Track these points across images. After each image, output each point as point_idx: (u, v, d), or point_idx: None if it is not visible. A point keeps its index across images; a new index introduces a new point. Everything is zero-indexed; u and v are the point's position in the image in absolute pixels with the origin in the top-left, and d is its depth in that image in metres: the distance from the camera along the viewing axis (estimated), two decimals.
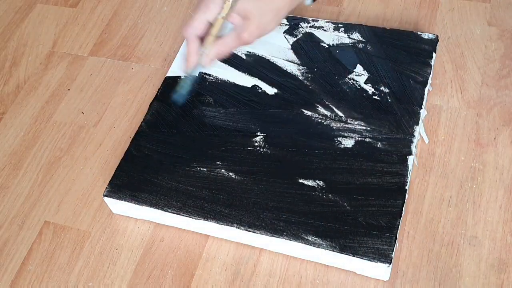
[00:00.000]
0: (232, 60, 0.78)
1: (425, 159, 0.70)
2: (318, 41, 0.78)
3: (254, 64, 0.77)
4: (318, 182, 0.66)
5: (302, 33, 0.79)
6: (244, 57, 0.78)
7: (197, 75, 0.68)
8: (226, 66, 0.78)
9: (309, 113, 0.72)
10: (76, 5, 0.93)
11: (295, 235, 0.62)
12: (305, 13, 0.85)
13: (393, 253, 0.60)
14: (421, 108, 0.71)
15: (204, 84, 0.76)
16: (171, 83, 0.77)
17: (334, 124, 0.70)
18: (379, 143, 0.68)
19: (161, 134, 0.72)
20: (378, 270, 0.61)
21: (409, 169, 0.66)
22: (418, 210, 0.66)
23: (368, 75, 0.74)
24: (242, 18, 0.64)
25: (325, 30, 0.79)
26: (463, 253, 0.63)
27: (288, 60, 0.77)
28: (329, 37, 0.78)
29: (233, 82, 0.76)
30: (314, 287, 0.63)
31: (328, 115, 0.71)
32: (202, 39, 0.66)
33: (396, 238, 0.61)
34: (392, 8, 0.84)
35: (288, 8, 0.66)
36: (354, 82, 0.74)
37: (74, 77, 0.84)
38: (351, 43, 0.77)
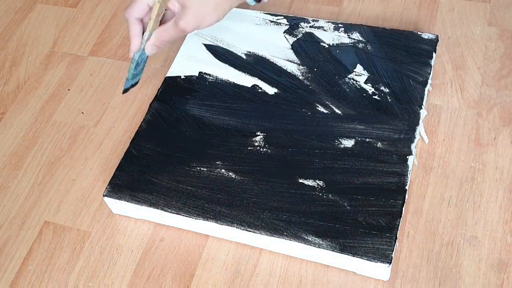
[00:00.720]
0: (232, 60, 0.78)
1: (425, 159, 0.70)
2: (318, 41, 0.78)
3: (254, 64, 0.77)
4: (318, 182, 0.66)
5: (302, 33, 0.79)
6: (244, 57, 0.78)
7: (143, 58, 0.70)
8: (226, 66, 0.78)
9: (309, 113, 0.72)
10: (76, 5, 0.93)
11: (295, 235, 0.62)
12: (305, 13, 0.85)
13: (393, 253, 0.60)
14: (421, 108, 0.71)
15: (204, 84, 0.76)
16: (171, 83, 0.77)
17: (334, 124, 0.70)
18: (379, 143, 0.68)
19: (161, 134, 0.72)
20: (378, 270, 0.61)
21: (409, 169, 0.66)
22: (418, 210, 0.66)
23: (368, 75, 0.74)
24: (181, 6, 0.65)
25: (325, 30, 0.79)
26: (463, 253, 0.63)
27: (288, 60, 0.77)
28: (329, 37, 0.78)
29: (233, 82, 0.76)
30: (314, 287, 0.63)
31: (328, 115, 0.71)
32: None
33: (396, 238, 0.61)
34: (392, 8, 0.84)
35: (230, 3, 0.67)
36: (354, 82, 0.74)
37: (74, 77, 0.84)
38: (351, 43, 0.77)
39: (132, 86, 0.72)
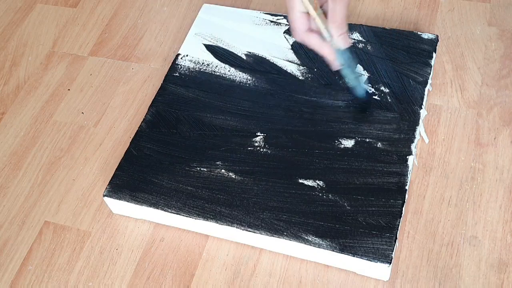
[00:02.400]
0: (232, 60, 0.78)
1: (425, 159, 0.70)
2: None
3: (254, 64, 0.77)
4: (318, 182, 0.66)
5: None
6: (244, 57, 0.78)
7: (345, 57, 0.65)
8: (226, 66, 0.78)
9: (309, 113, 0.72)
10: (76, 5, 0.93)
11: (295, 235, 0.62)
12: None
13: (393, 253, 0.60)
14: (421, 108, 0.71)
15: (204, 84, 0.76)
16: (171, 83, 0.77)
17: (334, 124, 0.70)
18: (379, 143, 0.68)
19: (161, 134, 0.72)
20: (378, 270, 0.61)
21: (409, 169, 0.66)
22: (418, 210, 0.66)
23: (368, 75, 0.74)
24: None
25: None
26: (463, 253, 0.63)
27: (288, 60, 0.77)
28: None
29: (233, 83, 0.76)
30: (314, 287, 0.63)
31: (328, 115, 0.71)
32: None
33: (396, 238, 0.61)
34: (392, 8, 0.84)
35: None
36: None
37: (74, 77, 0.84)
38: (351, 43, 0.77)
39: (367, 91, 0.70)
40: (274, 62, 0.77)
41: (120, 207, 0.69)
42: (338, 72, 0.75)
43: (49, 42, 0.89)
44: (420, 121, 0.70)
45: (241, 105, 0.74)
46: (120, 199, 0.67)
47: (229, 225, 0.64)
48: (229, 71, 0.77)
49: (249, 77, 0.76)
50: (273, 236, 0.63)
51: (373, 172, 0.66)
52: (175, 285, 0.64)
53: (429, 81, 0.73)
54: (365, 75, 0.74)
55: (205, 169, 0.68)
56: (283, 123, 0.71)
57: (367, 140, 0.69)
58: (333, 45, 0.64)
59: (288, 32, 0.80)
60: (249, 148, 0.70)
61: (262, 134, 0.71)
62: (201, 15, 0.84)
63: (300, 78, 0.75)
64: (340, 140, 0.69)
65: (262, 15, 0.82)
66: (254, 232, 0.63)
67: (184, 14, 0.89)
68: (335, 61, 0.65)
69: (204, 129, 0.72)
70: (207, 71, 0.77)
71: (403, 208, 0.63)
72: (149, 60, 0.84)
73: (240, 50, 0.79)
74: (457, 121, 0.72)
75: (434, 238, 0.64)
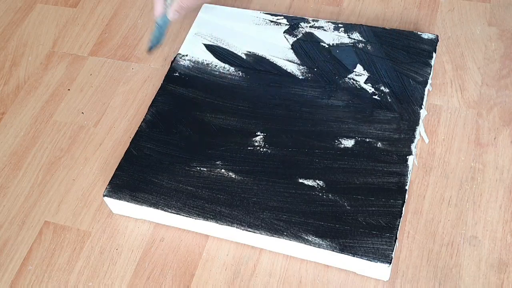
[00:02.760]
0: (232, 60, 0.78)
1: (425, 159, 0.70)
2: (318, 41, 0.78)
3: (254, 64, 0.77)
4: (318, 182, 0.66)
5: (302, 33, 0.79)
6: (244, 57, 0.78)
7: (166, 22, 0.77)
8: (226, 66, 0.78)
9: (309, 113, 0.72)
10: (76, 5, 0.93)
11: (295, 235, 0.62)
12: (305, 13, 0.85)
13: (393, 253, 0.60)
14: (421, 108, 0.71)
15: (204, 84, 0.76)
16: (171, 82, 0.77)
17: (334, 124, 0.70)
18: (379, 143, 0.68)
19: (161, 134, 0.72)
20: (378, 270, 0.61)
21: (409, 169, 0.66)
22: (418, 210, 0.66)
23: (368, 75, 0.74)
24: None
25: (325, 30, 0.79)
26: (463, 253, 0.63)
27: (288, 60, 0.77)
28: (329, 37, 0.78)
29: (233, 83, 0.76)
30: (314, 287, 0.63)
31: (328, 115, 0.71)
32: None
33: (396, 238, 0.61)
34: (392, 8, 0.84)
35: None
36: (354, 82, 0.74)
37: (74, 77, 0.84)
38: (351, 43, 0.77)
39: (155, 46, 0.79)
40: (274, 62, 0.77)
41: (120, 207, 0.69)
42: (337, 72, 0.75)
43: (49, 42, 0.89)
44: (420, 121, 0.70)
45: (241, 105, 0.74)
46: (120, 199, 0.67)
47: (229, 225, 0.64)
48: (229, 71, 0.77)
49: (249, 77, 0.76)
50: (273, 236, 0.63)
51: (373, 172, 0.66)
52: (175, 285, 0.64)
53: (429, 81, 0.73)
54: (365, 75, 0.74)
55: (205, 169, 0.68)
56: (283, 123, 0.71)
57: (367, 140, 0.69)
58: (165, 8, 0.76)
59: (288, 32, 0.80)
60: (249, 148, 0.70)
61: (262, 134, 0.71)
62: (201, 15, 0.83)
63: (300, 77, 0.75)
64: (340, 140, 0.69)
65: (262, 15, 0.82)
66: (254, 232, 0.63)
67: (184, 14, 0.89)
68: (156, 18, 0.76)
69: (204, 129, 0.72)
70: (207, 71, 0.77)
71: (403, 208, 0.63)
72: (149, 60, 0.84)
73: (240, 50, 0.79)
74: (457, 121, 0.72)
75: (434, 238, 0.64)
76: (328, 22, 0.80)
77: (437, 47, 0.76)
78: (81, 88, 0.83)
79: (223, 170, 0.68)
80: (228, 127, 0.72)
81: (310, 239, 0.62)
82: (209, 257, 0.66)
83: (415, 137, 0.68)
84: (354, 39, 0.78)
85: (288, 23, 0.81)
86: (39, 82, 0.84)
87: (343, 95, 0.73)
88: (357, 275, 0.63)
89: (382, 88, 0.73)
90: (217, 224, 0.64)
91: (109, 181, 0.69)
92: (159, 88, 0.77)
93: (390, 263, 0.60)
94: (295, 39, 0.79)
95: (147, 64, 0.84)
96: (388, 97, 0.72)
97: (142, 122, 0.73)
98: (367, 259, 0.60)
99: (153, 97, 0.76)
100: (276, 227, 0.63)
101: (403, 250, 0.64)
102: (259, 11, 0.83)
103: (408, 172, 0.66)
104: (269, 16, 0.82)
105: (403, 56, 0.75)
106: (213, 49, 0.80)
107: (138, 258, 0.67)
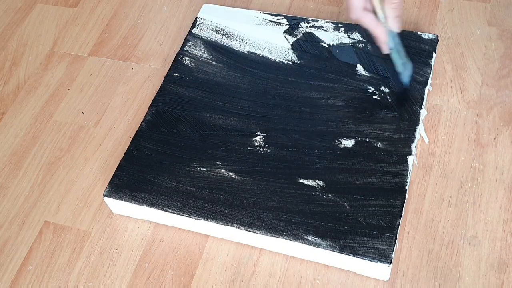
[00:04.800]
0: (232, 60, 0.78)
1: (425, 159, 0.70)
2: (318, 41, 0.78)
3: (254, 64, 0.77)
4: (318, 182, 0.66)
5: (302, 33, 0.79)
6: (244, 57, 0.78)
7: (396, 41, 0.66)
8: (226, 66, 0.77)
9: (309, 113, 0.72)
10: (76, 5, 0.93)
11: (295, 235, 0.62)
12: (305, 13, 0.85)
13: (393, 253, 0.60)
14: (421, 108, 0.71)
15: (204, 84, 0.76)
16: (171, 82, 0.77)
17: (334, 124, 0.70)
18: (379, 143, 0.68)
19: (161, 134, 0.72)
20: (378, 270, 0.61)
21: (409, 169, 0.66)
22: (418, 210, 0.66)
23: (368, 75, 0.74)
24: None
25: (325, 30, 0.79)
26: (463, 253, 0.63)
27: (288, 60, 0.77)
28: (329, 37, 0.78)
29: (233, 83, 0.76)
30: (314, 287, 0.63)
31: (328, 115, 0.71)
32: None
33: (396, 238, 0.61)
34: None
35: None
36: (354, 82, 0.74)
37: (74, 77, 0.84)
38: (351, 43, 0.77)
39: (409, 75, 0.70)
40: (274, 62, 0.77)
41: (120, 207, 0.69)
42: (338, 72, 0.75)
43: (49, 42, 0.89)
44: (420, 121, 0.70)
45: (241, 105, 0.74)
46: (120, 199, 0.67)
47: (229, 225, 0.64)
48: (229, 71, 0.77)
49: (249, 76, 0.76)
50: (273, 236, 0.63)
51: (373, 172, 0.66)
52: (175, 285, 0.64)
53: (429, 81, 0.73)
54: (365, 75, 0.74)
55: (205, 169, 0.68)
56: (283, 123, 0.71)
57: (367, 140, 0.69)
58: (386, 27, 0.64)
59: (288, 32, 0.80)
60: (249, 148, 0.70)
61: (262, 134, 0.71)
62: (201, 15, 0.84)
63: (300, 77, 0.75)
64: (340, 140, 0.69)
65: (262, 15, 0.82)
66: (254, 232, 0.63)
67: (184, 14, 0.89)
68: (386, 43, 0.65)
69: (204, 129, 0.72)
70: (207, 71, 0.77)
71: (403, 208, 0.63)
72: (149, 60, 0.84)
73: (240, 50, 0.79)
74: (457, 121, 0.72)
75: (434, 238, 0.64)
76: (328, 22, 0.80)
77: (437, 47, 0.76)
78: (81, 88, 0.83)
79: (223, 170, 0.68)
80: (228, 127, 0.72)
81: (310, 239, 0.62)
82: (209, 257, 0.66)
83: (415, 137, 0.68)
84: (354, 39, 0.78)
85: (288, 23, 0.81)
86: (39, 82, 0.84)
87: (343, 95, 0.73)
88: (357, 275, 0.63)
89: (382, 88, 0.73)
90: (217, 224, 0.64)
91: (109, 181, 0.69)
92: (159, 88, 0.77)
93: (390, 263, 0.60)
94: (295, 39, 0.79)
95: (147, 64, 0.84)
96: (388, 97, 0.72)
97: (142, 122, 0.73)
98: (367, 259, 0.60)
99: (153, 97, 0.76)
100: (276, 227, 0.63)
101: (403, 250, 0.64)
102: (259, 11, 0.83)
103: (408, 172, 0.66)
104: (269, 16, 0.82)
105: None
106: (213, 49, 0.80)
107: (138, 258, 0.67)
